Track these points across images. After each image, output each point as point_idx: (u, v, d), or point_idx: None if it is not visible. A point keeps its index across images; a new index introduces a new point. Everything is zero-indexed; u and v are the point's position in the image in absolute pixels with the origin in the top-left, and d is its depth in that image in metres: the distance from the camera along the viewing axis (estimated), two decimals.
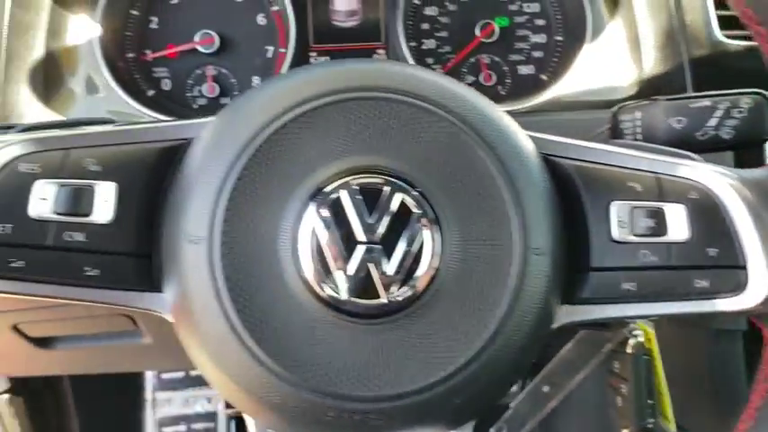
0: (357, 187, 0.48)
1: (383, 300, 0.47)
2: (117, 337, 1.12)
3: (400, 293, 0.47)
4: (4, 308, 0.85)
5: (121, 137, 0.51)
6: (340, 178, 0.48)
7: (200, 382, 1.69)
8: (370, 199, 0.48)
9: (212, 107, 0.98)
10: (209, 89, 0.97)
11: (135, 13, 0.96)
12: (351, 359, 0.47)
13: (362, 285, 0.47)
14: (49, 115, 0.83)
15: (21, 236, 0.48)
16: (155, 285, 0.51)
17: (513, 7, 1.00)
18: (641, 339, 0.80)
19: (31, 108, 0.82)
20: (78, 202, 0.48)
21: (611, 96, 0.91)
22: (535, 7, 1.01)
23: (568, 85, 0.93)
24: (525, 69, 1.01)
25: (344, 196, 0.47)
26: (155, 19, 0.97)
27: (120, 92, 0.88)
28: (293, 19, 0.93)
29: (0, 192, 0.48)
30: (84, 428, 1.48)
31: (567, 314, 0.53)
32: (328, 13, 0.99)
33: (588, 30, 0.93)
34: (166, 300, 0.50)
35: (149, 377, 1.67)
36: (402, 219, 0.48)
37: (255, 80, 0.99)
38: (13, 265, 0.48)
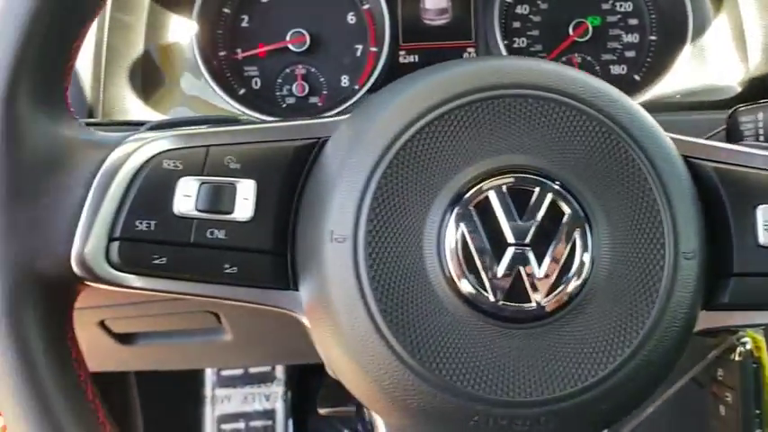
0: (506, 187, 0.47)
1: (533, 304, 0.46)
2: (198, 334, 1.13)
3: (550, 298, 0.46)
4: (94, 303, 0.86)
5: (259, 135, 0.51)
6: (488, 178, 0.47)
7: (258, 379, 1.70)
8: (520, 199, 0.46)
9: (301, 107, 0.98)
10: (299, 88, 0.97)
11: (226, 11, 0.96)
12: (498, 363, 0.46)
13: (511, 289, 0.46)
14: (148, 113, 0.84)
15: (165, 232, 0.48)
16: (290, 284, 0.50)
17: (606, 6, 0.99)
18: (749, 347, 0.78)
19: (131, 105, 0.83)
20: (221, 199, 0.48)
21: (716, 97, 0.89)
22: (628, 6, 0.98)
23: (668, 86, 0.91)
24: (617, 69, 0.99)
25: (493, 196, 0.46)
26: (245, 17, 0.97)
27: (218, 90, 0.88)
28: (388, 17, 0.93)
29: (145, 187, 0.48)
30: (148, 423, 1.50)
31: (706, 320, 0.51)
32: (418, 11, 0.99)
33: (689, 29, 0.91)
34: (302, 299, 0.50)
35: (209, 374, 1.69)
36: (552, 220, 0.46)
37: (344, 79, 0.98)
38: (156, 261, 0.48)
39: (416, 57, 0.99)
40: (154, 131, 0.51)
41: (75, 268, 0.47)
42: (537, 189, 0.46)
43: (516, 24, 0.98)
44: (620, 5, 0.98)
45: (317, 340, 0.51)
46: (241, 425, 1.66)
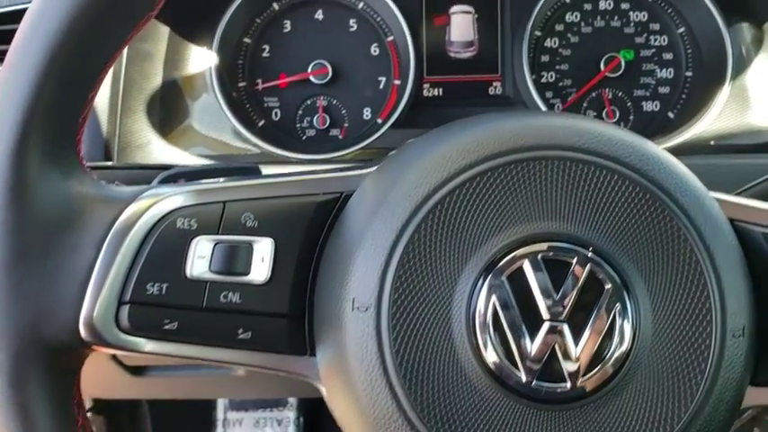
0: (541, 256, 0.43)
1: (568, 384, 0.43)
2: (210, 368, 1.10)
3: (588, 378, 0.43)
4: None
5: (278, 189, 0.48)
6: (522, 246, 0.43)
7: (271, 404, 1.67)
8: (556, 269, 0.43)
9: (321, 139, 0.96)
10: (320, 121, 0.95)
11: (247, 41, 0.94)
12: None
13: (545, 367, 0.43)
14: (165, 147, 0.82)
15: (176, 296, 0.45)
16: (306, 350, 0.48)
17: (640, 40, 0.95)
18: None
19: (149, 138, 0.81)
20: (237, 260, 0.46)
21: (759, 140, 0.85)
22: (663, 40, 0.95)
23: (706, 127, 0.87)
24: (650, 106, 0.95)
25: (527, 267, 0.43)
26: (266, 47, 0.95)
27: (236, 122, 0.86)
28: (413, 49, 0.90)
29: (158, 249, 0.45)
30: None
31: (754, 396, 0.47)
32: (444, 43, 0.96)
33: (728, 67, 0.87)
34: (318, 364, 0.47)
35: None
36: (591, 294, 0.43)
37: (366, 112, 0.96)
38: (166, 327, 0.45)
39: (441, 90, 0.97)
40: (168, 186, 0.48)
41: (83, 333, 0.45)
42: (575, 259, 0.43)
43: (545, 58, 0.95)
44: (655, 39, 0.95)
45: (333, 409, 0.48)
46: None
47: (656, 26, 0.95)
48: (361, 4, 0.94)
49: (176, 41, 0.87)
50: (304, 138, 0.96)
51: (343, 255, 0.46)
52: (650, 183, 0.44)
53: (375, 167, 0.49)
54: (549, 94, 0.95)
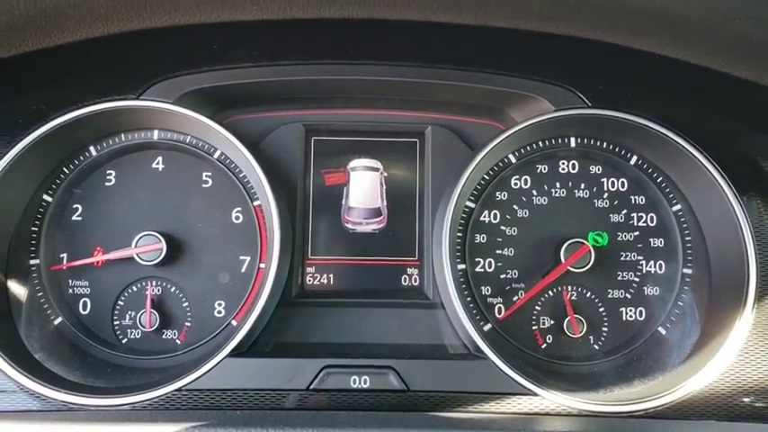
0: None
1: None
2: None
3: None
4: None
5: None
6: None
7: None
8: None
9: (150, 344, 0.65)
10: (147, 320, 0.64)
11: (47, 199, 0.65)
12: None
13: None
14: None
15: None
16: None
17: (617, 218, 0.67)
18: None
19: None
20: None
21: None
22: (650, 220, 0.67)
23: (725, 368, 0.57)
24: (631, 313, 0.66)
25: None
26: (78, 208, 0.66)
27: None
28: (277, 218, 0.61)
29: None
30: None
31: None
32: (339, 210, 0.67)
33: (750, 270, 0.58)
34: None
35: None
36: None
37: (218, 308, 0.66)
38: None
39: (331, 277, 0.67)
40: None
41: None
42: None
43: (480, 238, 0.66)
44: (639, 218, 0.67)
45: None
46: None
47: (641, 199, 0.66)
48: (217, 153, 0.66)
49: None
50: (125, 340, 0.65)
51: None
52: None
53: None
54: (485, 290, 0.65)
